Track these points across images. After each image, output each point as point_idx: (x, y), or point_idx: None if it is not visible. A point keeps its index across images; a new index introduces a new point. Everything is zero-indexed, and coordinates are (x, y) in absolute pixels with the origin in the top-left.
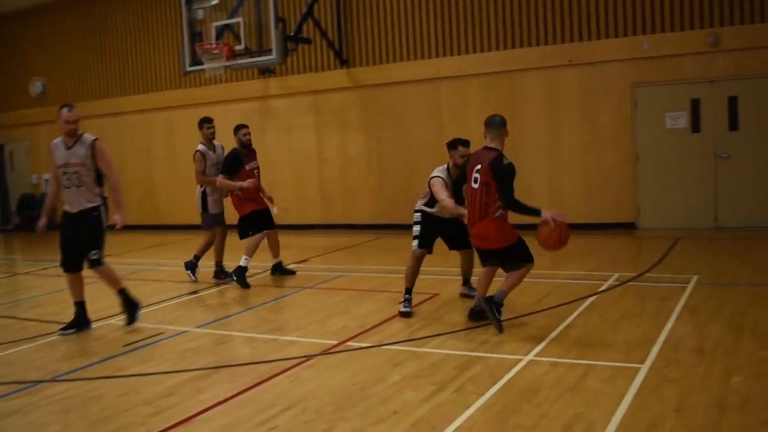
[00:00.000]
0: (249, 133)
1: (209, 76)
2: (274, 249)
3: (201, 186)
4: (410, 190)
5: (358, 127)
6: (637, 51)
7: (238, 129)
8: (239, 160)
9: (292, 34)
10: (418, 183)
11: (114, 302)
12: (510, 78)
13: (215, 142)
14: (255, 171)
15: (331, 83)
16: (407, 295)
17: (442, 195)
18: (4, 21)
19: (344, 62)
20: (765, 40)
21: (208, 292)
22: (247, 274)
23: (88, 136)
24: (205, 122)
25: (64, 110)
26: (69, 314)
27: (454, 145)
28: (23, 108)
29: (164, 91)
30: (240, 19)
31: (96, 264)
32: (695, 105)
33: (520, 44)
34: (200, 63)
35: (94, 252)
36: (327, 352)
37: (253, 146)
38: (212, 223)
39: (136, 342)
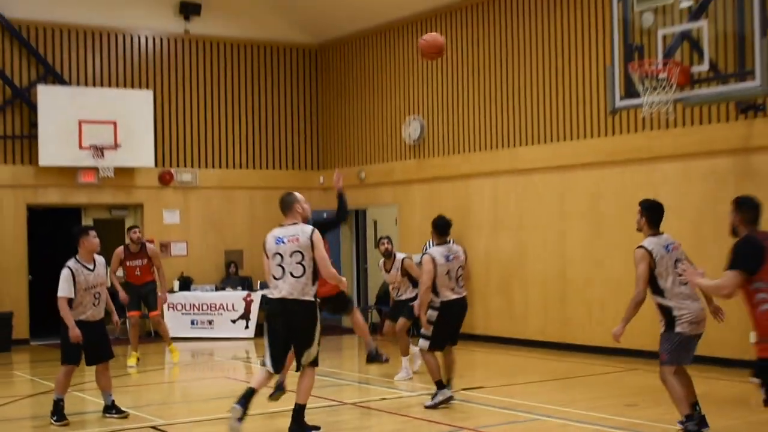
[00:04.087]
0: None
1: (647, 114)
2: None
3: None
4: None
5: None
6: None
7: None
8: None
9: None
10: None
11: None
12: None
13: None
14: None
15: None
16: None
17: None
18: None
19: None
20: None
21: None
22: None
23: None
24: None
25: None
26: None
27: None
28: (392, 160)
29: (586, 140)
30: (703, 23)
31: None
32: None
33: None
34: (635, 95)
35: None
36: None
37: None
38: None
39: None
